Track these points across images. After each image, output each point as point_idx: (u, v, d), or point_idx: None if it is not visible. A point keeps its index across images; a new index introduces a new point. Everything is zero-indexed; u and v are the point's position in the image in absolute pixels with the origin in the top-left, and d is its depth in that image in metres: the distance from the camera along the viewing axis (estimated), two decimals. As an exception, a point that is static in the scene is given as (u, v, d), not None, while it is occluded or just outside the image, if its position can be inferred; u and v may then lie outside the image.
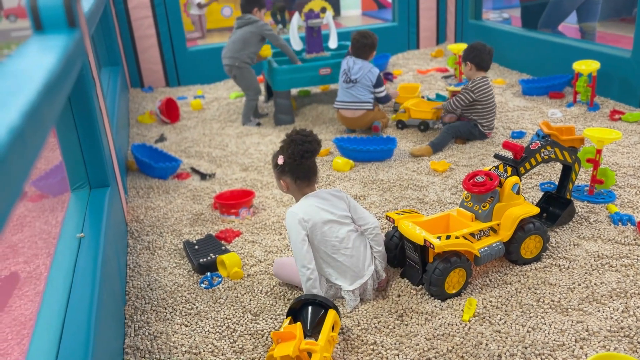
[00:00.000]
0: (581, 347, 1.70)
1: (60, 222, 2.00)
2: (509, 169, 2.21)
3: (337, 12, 9.58)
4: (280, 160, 2.02)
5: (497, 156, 2.33)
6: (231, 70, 4.17)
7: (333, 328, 1.80)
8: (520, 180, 2.20)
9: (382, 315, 1.95)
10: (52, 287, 1.59)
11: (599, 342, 1.72)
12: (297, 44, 4.33)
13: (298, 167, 2.00)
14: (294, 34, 4.29)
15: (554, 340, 1.74)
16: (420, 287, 2.08)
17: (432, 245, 1.93)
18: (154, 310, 2.06)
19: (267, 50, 4.20)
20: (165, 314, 2.04)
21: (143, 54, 5.32)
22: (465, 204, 2.21)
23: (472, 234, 2.08)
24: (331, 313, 1.81)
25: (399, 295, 2.05)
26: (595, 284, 2.00)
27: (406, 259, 2.15)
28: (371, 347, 1.79)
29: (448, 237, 1.96)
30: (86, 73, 2.08)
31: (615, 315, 1.83)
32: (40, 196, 3.04)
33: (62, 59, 1.42)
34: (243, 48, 4.09)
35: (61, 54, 1.45)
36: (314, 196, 2.03)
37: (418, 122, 3.70)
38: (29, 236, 2.63)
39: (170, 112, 4.37)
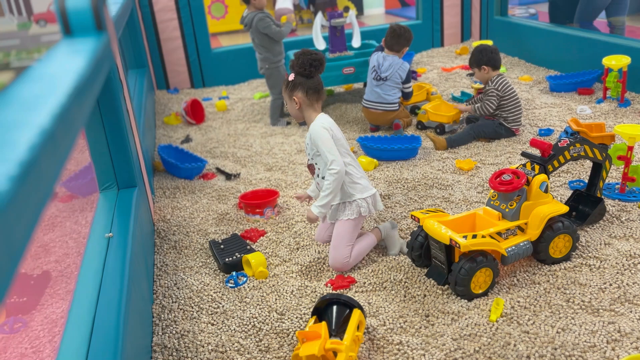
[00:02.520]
0: (613, 349, 1.66)
1: (90, 222, 2.04)
2: (537, 167, 2.17)
3: (360, 10, 9.55)
4: (291, 77, 2.24)
5: (524, 154, 2.29)
6: (261, 69, 4.26)
7: (358, 327, 1.79)
8: (549, 179, 2.16)
9: (407, 315, 1.93)
10: (82, 286, 1.62)
11: (631, 344, 1.68)
12: (320, 44, 4.33)
13: (308, 79, 2.23)
14: (317, 33, 4.29)
15: (585, 341, 1.71)
16: (446, 287, 2.06)
17: (458, 245, 1.91)
18: (180, 309, 2.09)
19: None
20: (192, 312, 2.07)
21: (168, 56, 5.39)
22: (491, 202, 2.18)
23: (499, 233, 2.06)
24: (356, 312, 1.81)
25: (424, 295, 2.03)
26: (627, 284, 1.95)
27: (432, 259, 2.13)
28: (397, 346, 1.78)
29: (474, 237, 1.94)
30: (114, 75, 2.12)
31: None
32: (70, 197, 3.11)
33: (90, 62, 1.45)
34: (262, 51, 4.14)
35: (90, 57, 1.48)
36: (327, 115, 2.32)
37: (435, 125, 3.67)
38: (60, 236, 2.69)
39: (195, 113, 4.42)
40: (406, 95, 3.76)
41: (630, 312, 1.81)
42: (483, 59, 3.39)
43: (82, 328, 1.43)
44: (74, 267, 2.35)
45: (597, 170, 2.36)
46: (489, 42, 4.74)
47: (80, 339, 1.40)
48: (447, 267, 2.04)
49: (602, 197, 2.40)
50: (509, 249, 2.02)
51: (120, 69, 2.32)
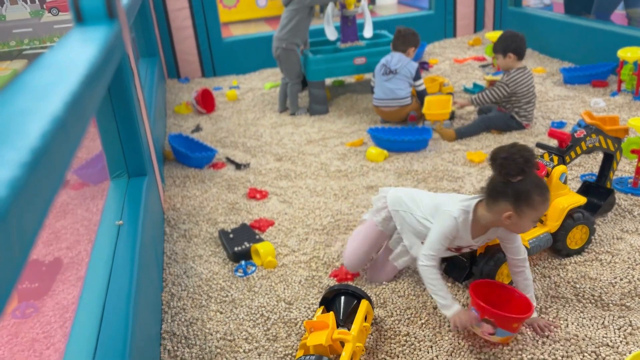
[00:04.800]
0: (626, 343, 1.66)
1: (101, 210, 2.06)
2: (555, 158, 2.15)
3: (372, 1, 9.48)
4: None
5: (539, 145, 2.27)
6: (277, 50, 4.11)
7: (366, 318, 1.80)
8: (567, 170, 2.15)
9: (415, 307, 1.93)
10: (92, 273, 1.64)
11: (641, 339, 1.67)
12: (332, 34, 4.31)
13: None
14: (329, 23, 4.27)
15: (596, 335, 1.70)
16: (455, 281, 2.05)
17: None
18: (190, 297, 2.10)
19: None
20: (200, 300, 2.08)
21: (179, 45, 5.39)
22: None
23: None
24: (364, 303, 1.81)
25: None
26: (638, 279, 1.94)
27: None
28: (404, 337, 1.79)
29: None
30: (125, 64, 2.12)
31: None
32: (81, 184, 3.13)
33: (102, 50, 1.45)
34: (288, 28, 4.04)
35: (101, 45, 1.48)
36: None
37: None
38: (71, 223, 2.72)
39: (206, 102, 4.42)
40: (420, 94, 3.71)
41: (641, 307, 1.80)
42: (511, 46, 3.28)
43: (93, 314, 1.45)
44: (84, 254, 2.38)
45: (608, 161, 2.34)
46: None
47: (90, 325, 1.41)
48: (470, 260, 2.02)
49: (612, 188, 2.38)
50: (531, 241, 2.02)
51: (131, 58, 2.33)
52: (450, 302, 1.71)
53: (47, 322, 1.97)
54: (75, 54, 1.35)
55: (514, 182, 1.61)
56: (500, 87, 3.32)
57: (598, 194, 2.36)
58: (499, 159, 1.63)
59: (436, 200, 1.91)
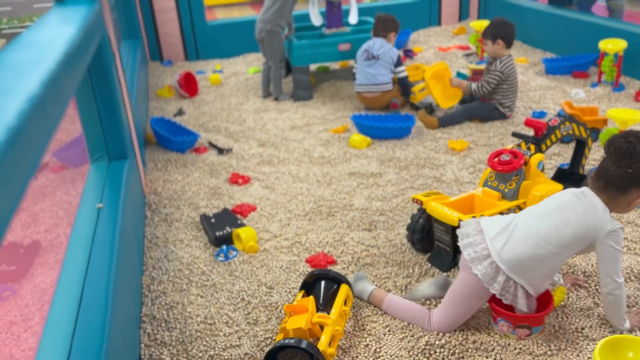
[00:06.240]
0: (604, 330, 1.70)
1: (80, 193, 2.04)
2: (532, 147, 2.19)
3: (358, -13, 9.42)
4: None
5: (516, 134, 2.30)
6: (261, 33, 4.06)
7: (345, 303, 1.82)
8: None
9: (394, 292, 1.96)
10: (71, 256, 1.63)
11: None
12: (316, 19, 4.28)
13: None
14: (314, 8, 4.24)
15: (576, 321, 1.74)
16: (429, 267, 2.08)
17: None
18: (170, 281, 2.10)
19: None
20: (181, 284, 2.08)
21: (162, 28, 5.31)
22: (489, 183, 2.19)
23: (501, 213, 2.07)
24: (344, 288, 1.83)
25: (424, 273, 2.06)
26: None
27: (434, 243, 2.14)
28: (382, 322, 1.81)
29: (482, 217, 1.95)
30: (105, 45, 2.09)
31: (633, 294, 1.84)
32: (61, 167, 3.09)
33: (81, 30, 1.43)
34: (273, 10, 4.00)
35: (81, 25, 1.45)
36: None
37: (425, 105, 3.65)
38: (50, 206, 2.68)
39: (189, 86, 4.38)
40: (402, 80, 3.72)
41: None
42: (501, 32, 3.29)
43: (71, 297, 1.44)
44: (63, 237, 2.35)
45: (581, 148, 2.40)
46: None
47: (69, 308, 1.41)
48: (453, 250, 2.05)
49: (585, 174, 2.43)
50: None
51: (112, 39, 2.29)
52: (625, 316, 1.70)
53: (25, 305, 1.95)
54: (54, 33, 1.33)
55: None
56: (494, 75, 3.33)
57: (572, 180, 2.42)
58: (625, 149, 1.57)
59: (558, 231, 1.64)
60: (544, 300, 1.71)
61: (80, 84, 2.01)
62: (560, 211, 1.65)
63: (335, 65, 4.83)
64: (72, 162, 3.09)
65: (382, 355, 1.68)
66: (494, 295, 1.68)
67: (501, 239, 1.66)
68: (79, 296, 1.45)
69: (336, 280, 1.86)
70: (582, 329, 1.72)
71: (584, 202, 1.64)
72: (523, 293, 1.64)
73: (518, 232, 1.65)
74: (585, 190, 1.67)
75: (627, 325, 1.68)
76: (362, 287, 1.92)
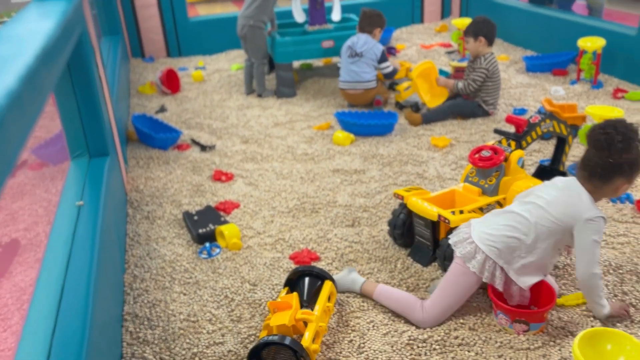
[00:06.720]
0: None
1: (60, 191, 2.01)
2: (513, 143, 2.21)
3: (341, -16, 9.42)
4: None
5: (497, 131, 2.33)
6: (243, 29, 4.03)
7: (329, 299, 1.82)
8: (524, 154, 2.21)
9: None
10: (51, 254, 1.60)
11: (592, 318, 1.75)
12: (299, 16, 4.27)
13: None
14: (297, 5, 4.23)
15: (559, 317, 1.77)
16: (410, 261, 2.10)
17: (447, 220, 1.94)
18: (153, 279, 2.08)
19: None
20: (164, 282, 2.06)
21: (144, 24, 5.26)
22: (470, 179, 2.21)
23: (481, 208, 2.09)
24: (327, 284, 1.83)
25: (401, 271, 2.07)
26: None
27: (415, 237, 2.15)
28: (367, 318, 1.82)
29: (461, 212, 1.97)
30: (85, 40, 2.06)
31: (612, 286, 1.87)
32: (40, 164, 3.04)
33: (60, 25, 1.41)
34: (255, 6, 3.97)
35: (60, 20, 1.43)
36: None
37: (411, 103, 3.67)
38: (29, 204, 2.64)
39: (171, 83, 4.34)
40: (388, 75, 3.74)
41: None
42: (483, 30, 3.32)
43: (51, 296, 1.42)
44: (43, 236, 2.32)
45: (561, 145, 2.44)
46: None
47: (49, 306, 1.39)
48: (433, 244, 2.06)
49: (566, 171, 2.46)
50: None
51: (92, 34, 2.26)
52: (605, 302, 1.71)
53: (4, 304, 1.92)
54: (32, 28, 1.31)
55: (625, 157, 1.62)
56: (480, 72, 3.35)
57: (552, 177, 2.44)
58: (603, 141, 1.62)
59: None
60: (546, 298, 1.73)
61: (60, 79, 1.98)
62: (543, 198, 1.71)
63: (318, 62, 4.83)
64: (51, 160, 3.05)
65: (366, 351, 1.69)
66: (495, 288, 1.71)
67: (482, 221, 1.76)
68: (59, 295, 1.43)
69: (320, 277, 1.87)
70: (565, 324, 1.75)
71: (568, 191, 1.69)
72: (502, 274, 1.68)
73: (498, 216, 1.75)
74: (570, 179, 1.73)
75: (607, 311, 1.71)
76: (353, 279, 1.94)
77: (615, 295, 1.84)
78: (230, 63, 5.05)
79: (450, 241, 1.80)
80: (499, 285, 1.70)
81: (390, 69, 3.72)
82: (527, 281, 1.70)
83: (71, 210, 1.82)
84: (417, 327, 1.77)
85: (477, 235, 1.72)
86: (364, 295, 1.92)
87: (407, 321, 1.79)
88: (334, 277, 1.93)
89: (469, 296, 1.78)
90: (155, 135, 3.23)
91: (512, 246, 1.68)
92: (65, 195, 1.94)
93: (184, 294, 2.00)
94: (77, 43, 1.95)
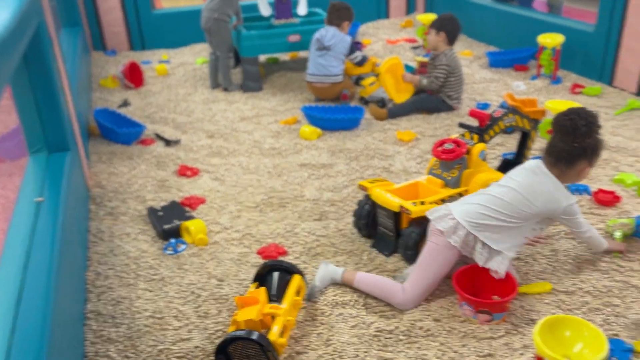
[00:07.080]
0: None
1: (18, 186, 1.94)
2: (475, 137, 2.25)
3: (307, -22, 9.40)
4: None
5: (461, 125, 2.37)
6: (208, 22, 3.98)
7: (298, 293, 1.82)
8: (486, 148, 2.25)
9: (346, 284, 1.98)
10: (9, 252, 1.55)
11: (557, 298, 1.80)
12: (265, 10, 4.24)
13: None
14: (263, -1, 4.20)
15: (524, 306, 1.82)
16: (376, 254, 2.12)
17: (408, 211, 1.97)
18: (117, 276, 2.04)
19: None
20: (128, 279, 2.03)
21: (105, 16, 5.12)
22: (434, 171, 2.24)
23: (443, 200, 2.13)
24: (296, 278, 1.83)
25: (372, 260, 2.09)
26: (550, 250, 2.08)
27: (378, 228, 2.17)
28: (336, 311, 1.83)
29: (422, 203, 2.00)
30: (43, 31, 2.00)
31: (570, 276, 1.93)
32: (-4, 160, 2.94)
33: (16, 16, 1.36)
34: (218, 1, 3.95)
35: (15, 11, 1.39)
36: None
37: (377, 99, 3.69)
38: (-15, 201, 2.55)
39: (134, 76, 4.25)
40: (359, 63, 3.76)
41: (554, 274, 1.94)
42: (447, 26, 3.39)
43: (9, 294, 1.38)
44: (0, 233, 2.24)
45: (525, 139, 2.49)
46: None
47: (7, 305, 1.35)
48: (395, 234, 2.09)
49: None
50: None
51: (50, 25, 2.20)
52: (603, 240, 1.96)
53: (-40, 305, 1.85)
54: (-15, 18, 1.26)
55: (588, 141, 1.78)
56: (441, 69, 3.40)
57: None
58: (568, 127, 1.77)
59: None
60: (508, 288, 1.77)
61: (16, 72, 1.91)
62: (516, 181, 1.83)
63: (285, 57, 4.80)
64: (9, 155, 2.95)
65: (334, 343, 1.70)
66: (459, 279, 1.77)
67: (461, 201, 1.91)
68: (18, 293, 1.39)
69: (289, 271, 1.87)
70: (527, 312, 1.79)
71: (539, 175, 1.82)
72: (482, 245, 1.77)
73: (476, 196, 1.89)
74: (538, 163, 1.85)
75: (605, 245, 1.96)
76: (332, 270, 1.96)
77: (573, 284, 1.90)
78: (195, 57, 4.98)
79: (429, 216, 1.87)
80: (479, 260, 1.77)
81: (360, 58, 3.74)
82: (507, 248, 1.78)
83: (30, 207, 1.77)
84: (400, 310, 1.81)
85: (458, 213, 1.81)
86: (344, 284, 1.94)
87: (375, 312, 1.81)
88: (315, 278, 1.94)
89: (447, 272, 1.84)
90: (118, 130, 3.17)
91: (491, 224, 1.77)
92: (24, 192, 1.88)
93: (149, 291, 1.97)
94: (34, 34, 1.89)
